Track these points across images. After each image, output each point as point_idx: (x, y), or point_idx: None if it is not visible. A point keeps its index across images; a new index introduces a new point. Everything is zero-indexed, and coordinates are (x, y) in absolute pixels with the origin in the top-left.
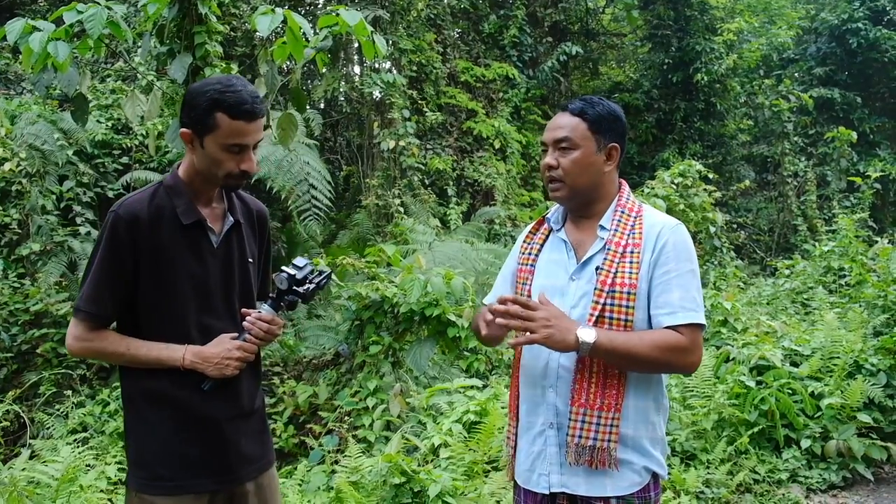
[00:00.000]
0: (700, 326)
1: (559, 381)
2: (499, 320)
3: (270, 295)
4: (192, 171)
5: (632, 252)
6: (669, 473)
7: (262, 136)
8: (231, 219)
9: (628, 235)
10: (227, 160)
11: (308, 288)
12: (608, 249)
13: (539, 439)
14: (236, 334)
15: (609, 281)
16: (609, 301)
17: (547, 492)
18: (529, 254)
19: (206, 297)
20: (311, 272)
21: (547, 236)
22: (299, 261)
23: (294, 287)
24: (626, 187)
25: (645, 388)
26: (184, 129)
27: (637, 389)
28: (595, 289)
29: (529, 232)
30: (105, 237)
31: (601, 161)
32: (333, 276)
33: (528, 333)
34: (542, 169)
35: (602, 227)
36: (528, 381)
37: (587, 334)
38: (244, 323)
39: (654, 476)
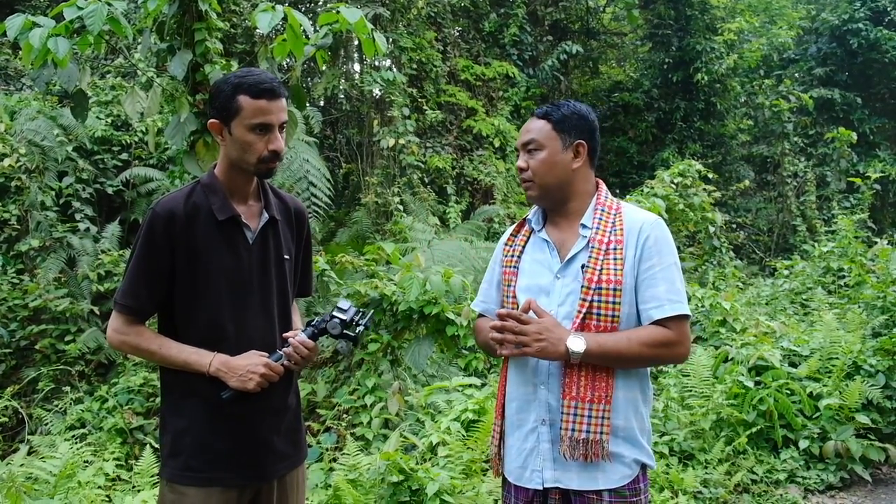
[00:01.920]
0: (686, 317)
1: (550, 377)
2: (493, 335)
3: (312, 324)
4: (226, 166)
5: (615, 249)
6: (667, 473)
7: (286, 118)
8: (266, 215)
9: (610, 232)
10: (256, 142)
11: (359, 331)
12: (591, 247)
13: (531, 436)
14: (267, 354)
15: (595, 278)
16: (596, 298)
17: (540, 487)
18: (512, 255)
19: (241, 292)
20: (356, 314)
21: (528, 237)
22: (343, 303)
23: (345, 331)
24: (603, 186)
25: (632, 378)
26: (212, 121)
27: (625, 381)
28: (582, 286)
29: (511, 234)
30: (143, 234)
31: (568, 159)
32: (332, 274)
33: (521, 347)
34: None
35: (584, 226)
36: (518, 379)
37: (577, 344)
38: (290, 339)
39: (643, 467)
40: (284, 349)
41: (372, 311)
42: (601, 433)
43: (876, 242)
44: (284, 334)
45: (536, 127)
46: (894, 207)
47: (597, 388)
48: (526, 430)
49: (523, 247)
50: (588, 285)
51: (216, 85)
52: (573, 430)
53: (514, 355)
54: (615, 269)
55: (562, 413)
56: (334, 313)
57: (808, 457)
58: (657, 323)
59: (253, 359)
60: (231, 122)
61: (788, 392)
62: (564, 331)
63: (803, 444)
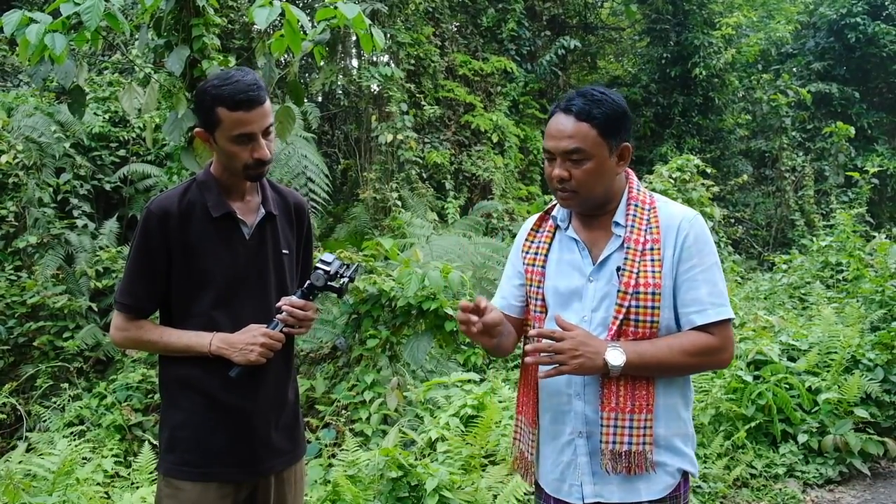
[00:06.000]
0: (729, 321)
1: (587, 388)
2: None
3: (301, 289)
4: (220, 165)
5: (652, 249)
6: None
7: (270, 121)
8: (263, 210)
9: (646, 231)
10: (240, 151)
11: (343, 283)
12: (627, 248)
13: (568, 449)
14: (265, 325)
15: (633, 282)
16: (634, 303)
17: (580, 503)
18: (537, 254)
19: (237, 288)
20: (341, 266)
21: (553, 234)
22: (327, 256)
23: (329, 283)
24: (633, 177)
25: (673, 384)
26: (198, 130)
27: (666, 387)
28: (619, 291)
29: (532, 229)
30: (138, 233)
31: (614, 164)
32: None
33: (558, 366)
34: (549, 177)
35: (616, 224)
36: (550, 390)
37: (616, 357)
38: (282, 306)
39: (685, 474)
40: (278, 316)
41: (357, 263)
42: (644, 444)
43: (874, 237)
44: (277, 303)
45: (579, 132)
46: (892, 202)
47: (637, 397)
48: (562, 443)
49: (549, 245)
50: (625, 290)
51: (197, 94)
52: (614, 442)
53: (551, 375)
54: (653, 272)
55: (601, 425)
56: (317, 265)
57: (807, 451)
58: (699, 328)
59: (251, 331)
60: (214, 132)
61: (787, 386)
62: (601, 343)
63: (802, 438)
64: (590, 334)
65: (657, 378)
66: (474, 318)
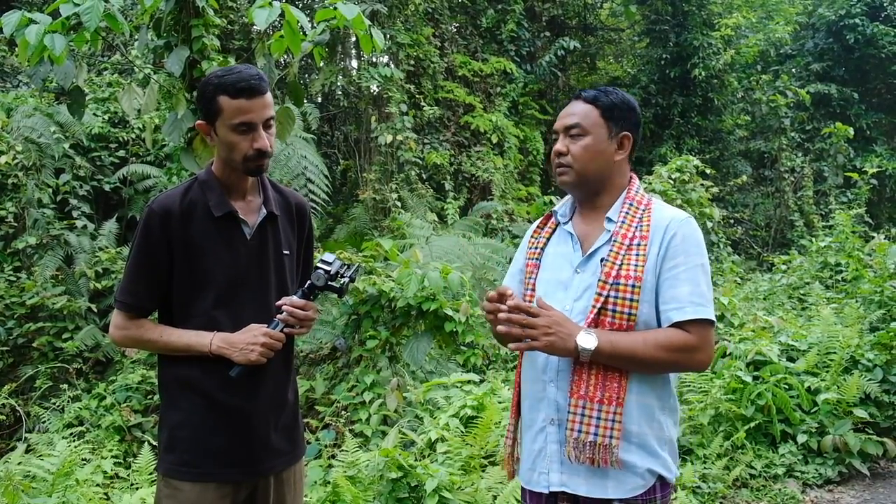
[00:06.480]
0: (710, 322)
1: (559, 374)
2: (500, 328)
3: (302, 289)
4: (221, 163)
5: (638, 245)
6: None
7: (271, 113)
8: (265, 210)
9: (636, 228)
10: (240, 142)
11: (344, 282)
12: (614, 241)
13: (540, 436)
14: (266, 324)
15: (614, 273)
16: (613, 293)
17: (546, 491)
18: (536, 248)
19: (238, 287)
20: (342, 266)
21: (554, 230)
22: (328, 256)
23: (329, 283)
24: (636, 180)
25: (648, 384)
26: (199, 122)
27: (640, 385)
28: (599, 280)
29: (537, 227)
30: (139, 231)
31: (612, 149)
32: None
33: (529, 340)
34: (551, 156)
35: (609, 220)
36: (529, 377)
37: (587, 340)
38: (283, 306)
39: (661, 478)
40: (279, 316)
41: (357, 264)
42: (610, 437)
43: (873, 237)
44: (278, 302)
45: (582, 111)
46: (891, 202)
47: (608, 388)
48: (535, 430)
49: (548, 239)
50: (605, 279)
51: (200, 86)
52: (580, 431)
53: (521, 349)
54: (636, 266)
55: (568, 412)
56: (318, 265)
57: (807, 451)
58: (677, 326)
59: (252, 331)
60: (215, 123)
61: (786, 387)
62: (575, 326)
63: (801, 438)
64: (567, 318)
65: (631, 373)
66: (503, 306)
